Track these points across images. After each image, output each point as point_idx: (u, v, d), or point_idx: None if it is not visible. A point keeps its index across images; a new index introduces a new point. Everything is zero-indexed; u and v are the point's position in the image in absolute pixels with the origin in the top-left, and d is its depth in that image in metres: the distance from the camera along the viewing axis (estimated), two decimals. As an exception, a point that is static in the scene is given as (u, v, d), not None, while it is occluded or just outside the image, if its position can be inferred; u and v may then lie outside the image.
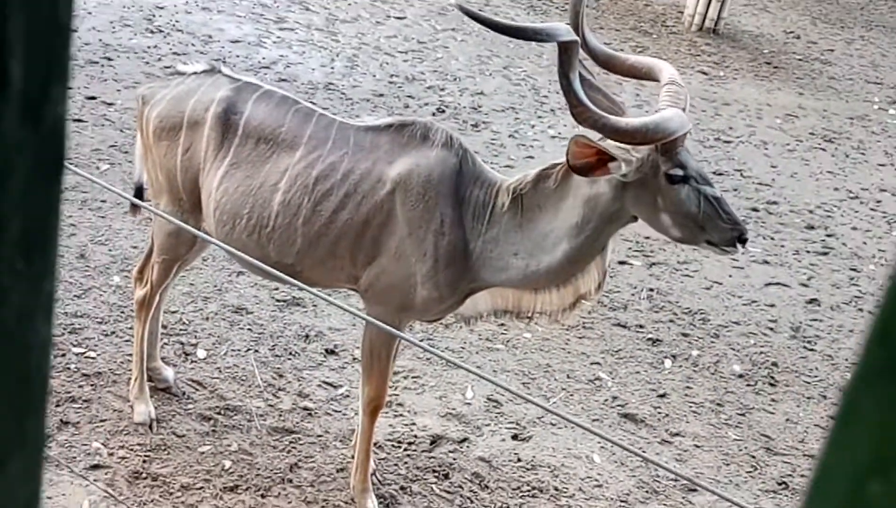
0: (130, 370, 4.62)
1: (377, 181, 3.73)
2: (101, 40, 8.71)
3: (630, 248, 6.94)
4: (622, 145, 3.33)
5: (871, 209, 8.60)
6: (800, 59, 12.71)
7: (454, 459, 4.66)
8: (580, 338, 5.85)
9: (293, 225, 3.81)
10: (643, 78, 3.66)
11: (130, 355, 4.72)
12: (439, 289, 3.72)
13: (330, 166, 3.79)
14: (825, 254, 7.59)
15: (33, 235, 0.68)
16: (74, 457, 4.21)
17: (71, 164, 6.47)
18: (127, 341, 4.94)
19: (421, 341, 5.22)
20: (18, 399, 0.70)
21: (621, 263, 6.75)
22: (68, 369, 4.71)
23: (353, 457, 4.32)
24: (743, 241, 3.42)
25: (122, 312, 5.18)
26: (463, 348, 5.54)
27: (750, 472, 4.99)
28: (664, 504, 4.63)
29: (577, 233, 3.52)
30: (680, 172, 3.36)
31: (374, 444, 4.27)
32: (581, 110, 3.23)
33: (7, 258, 0.66)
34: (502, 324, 5.50)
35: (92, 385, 4.64)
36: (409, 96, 8.98)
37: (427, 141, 3.75)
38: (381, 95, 8.85)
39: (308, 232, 3.80)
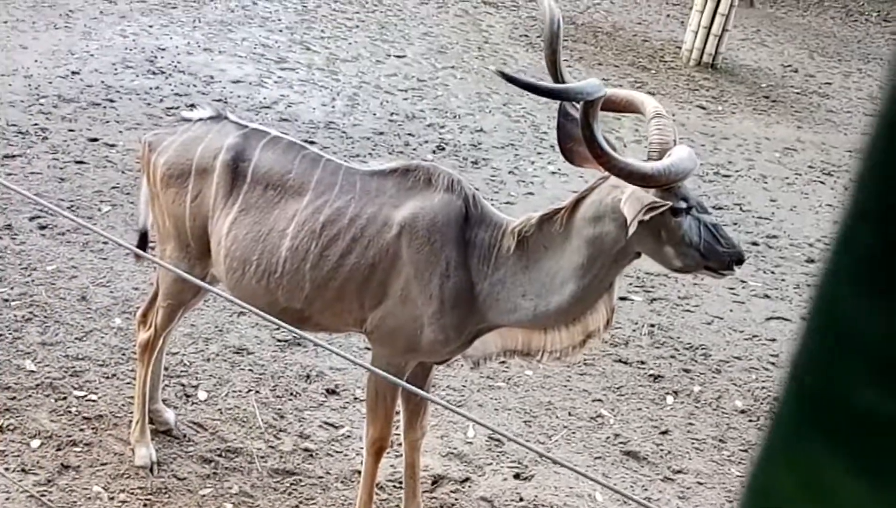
0: (131, 412, 4.62)
1: (383, 225, 3.76)
2: (103, 82, 8.78)
3: (630, 284, 6.95)
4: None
5: (872, 242, 8.60)
6: (798, 93, 12.77)
7: (456, 499, 4.65)
8: (581, 375, 5.85)
9: (301, 270, 3.83)
10: (622, 111, 3.69)
11: (131, 397, 4.72)
12: (445, 331, 3.74)
13: (337, 211, 3.82)
14: (826, 287, 7.57)
15: None
16: (75, 502, 4.21)
17: (73, 206, 6.51)
18: (128, 383, 4.94)
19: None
20: None
21: (622, 298, 6.76)
22: (69, 412, 4.71)
23: (356, 498, 4.31)
24: (740, 263, 3.48)
25: (124, 354, 5.19)
26: (464, 386, 5.54)
27: (753, 509, 4.96)
28: (667, 543, 4.61)
29: (583, 273, 3.55)
30: (683, 205, 3.42)
31: (376, 485, 4.26)
32: (606, 159, 3.28)
33: None
34: (503, 362, 5.50)
35: (93, 429, 4.64)
36: (409, 134, 9.04)
37: (431, 185, 3.78)
38: (382, 134, 8.90)
39: (316, 277, 3.82)
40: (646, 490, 4.95)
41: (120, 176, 7.13)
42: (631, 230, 3.35)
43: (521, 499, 4.72)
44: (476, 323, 3.78)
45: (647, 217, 3.34)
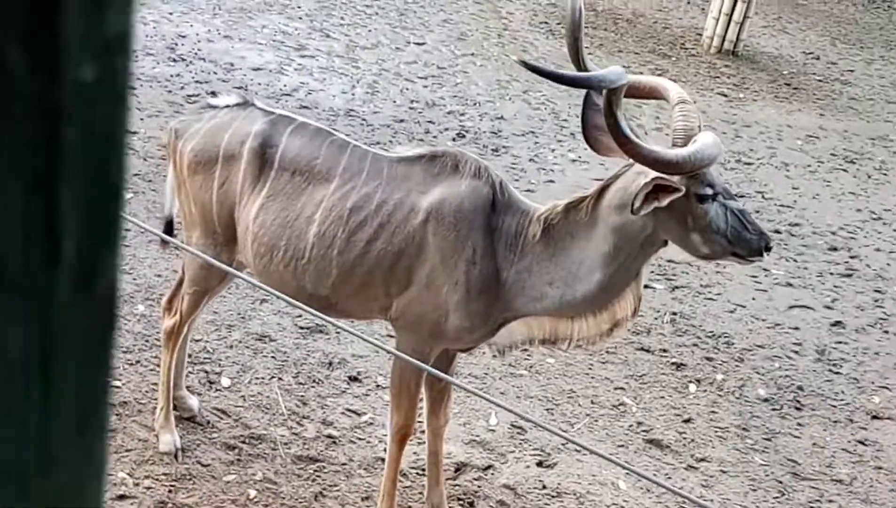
0: (155, 399, 4.64)
1: (410, 211, 3.76)
2: (124, 70, 8.78)
3: (653, 272, 6.92)
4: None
5: (895, 230, 8.55)
6: (819, 80, 12.68)
7: (479, 487, 4.65)
8: (604, 363, 5.83)
9: (328, 256, 3.84)
10: (646, 98, 3.68)
11: (155, 384, 4.74)
12: (471, 318, 3.74)
13: (364, 198, 3.82)
14: (849, 276, 7.55)
15: (86, 404, 0.68)
16: (100, 487, 4.22)
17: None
18: (152, 370, 4.96)
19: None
20: None
21: (644, 287, 6.72)
22: (94, 398, 4.73)
23: (379, 485, 4.32)
24: (769, 249, 3.46)
25: (147, 341, 5.21)
26: (486, 373, 5.53)
27: (777, 498, 4.95)
28: (691, 531, 4.60)
29: (610, 261, 3.55)
30: (709, 191, 3.41)
31: (400, 472, 4.26)
32: (631, 147, 3.27)
33: (62, 432, 0.66)
34: (526, 350, 5.49)
35: (117, 415, 4.66)
36: (429, 122, 9.02)
37: (458, 171, 3.78)
38: (402, 121, 8.89)
39: (343, 263, 3.82)
40: (669, 478, 4.93)
41: (142, 163, 7.15)
42: (641, 210, 3.33)
43: (544, 487, 4.71)
44: (502, 311, 3.77)
45: (664, 202, 3.33)
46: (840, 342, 6.56)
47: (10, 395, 0.63)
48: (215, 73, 9.17)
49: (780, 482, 5.07)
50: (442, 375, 2.87)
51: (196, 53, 9.53)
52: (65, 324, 0.64)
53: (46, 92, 0.60)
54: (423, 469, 4.46)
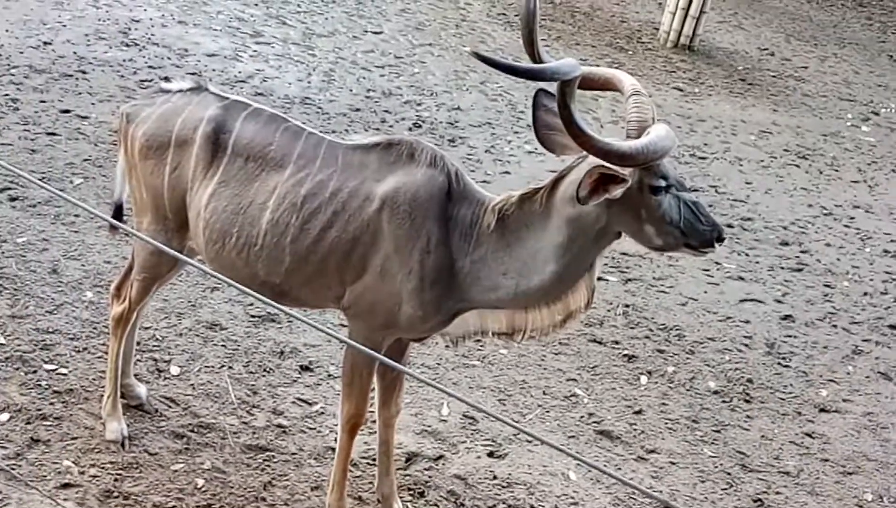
0: (103, 386, 4.57)
1: (365, 199, 3.73)
2: (75, 53, 8.65)
3: (606, 264, 6.95)
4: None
5: (845, 226, 8.66)
6: (774, 76, 12.80)
7: (430, 477, 4.64)
8: (556, 354, 5.84)
9: (281, 244, 3.79)
10: (600, 89, 3.67)
11: (103, 371, 4.67)
12: (424, 307, 3.72)
13: (318, 185, 3.78)
14: (799, 270, 7.63)
15: None
16: (45, 476, 4.16)
17: (44, 177, 6.42)
18: (99, 357, 4.89)
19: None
20: None
21: (597, 279, 6.75)
22: (39, 385, 4.66)
23: (329, 475, 4.29)
24: (721, 240, 3.48)
25: (95, 328, 5.13)
26: (439, 364, 5.52)
27: (725, 489, 4.99)
28: (640, 522, 4.62)
29: (564, 252, 3.54)
30: (663, 183, 3.42)
31: (350, 462, 4.23)
32: (585, 140, 3.26)
33: None
34: (479, 340, 5.48)
35: (63, 403, 4.59)
36: (385, 111, 8.98)
37: (414, 160, 3.75)
38: (358, 110, 8.84)
39: (296, 251, 3.79)
40: (619, 468, 4.96)
41: (92, 148, 7.04)
42: (589, 201, 3.33)
43: (495, 477, 4.71)
44: (456, 301, 3.75)
45: (614, 194, 3.33)
46: (790, 336, 6.63)
47: None
48: (169, 58, 9.05)
49: (729, 473, 5.11)
50: (394, 364, 2.84)
51: (149, 38, 9.40)
52: None
53: None
54: (374, 459, 4.44)
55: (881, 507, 5.07)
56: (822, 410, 5.85)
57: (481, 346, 5.69)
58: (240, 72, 9.11)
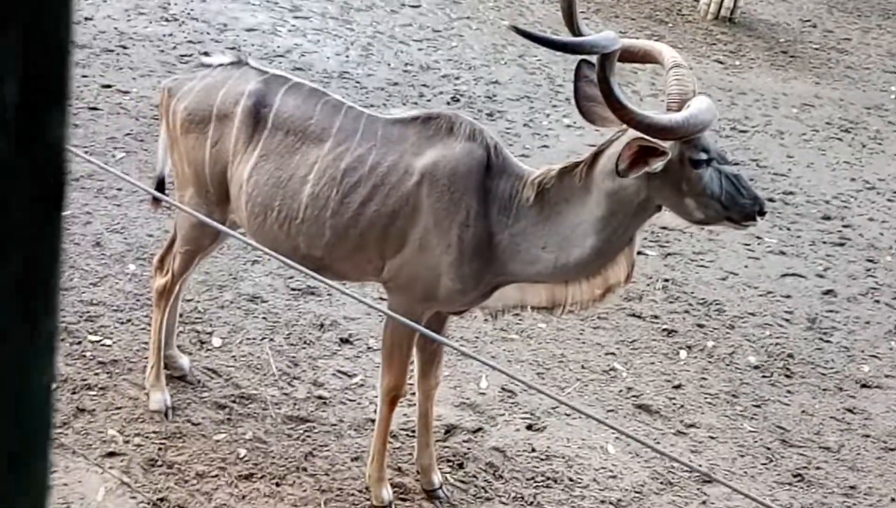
0: (146, 358, 4.64)
1: (404, 173, 3.74)
2: (116, 28, 8.71)
3: (646, 238, 6.91)
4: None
5: (888, 200, 8.55)
6: (816, 48, 12.62)
7: (468, 449, 4.66)
8: (595, 329, 5.84)
9: (322, 217, 3.82)
10: (640, 62, 3.66)
11: (146, 343, 4.73)
12: (463, 281, 3.73)
13: (358, 159, 3.80)
14: (842, 245, 7.55)
15: (33, 271, 0.63)
16: (90, 445, 4.23)
17: (87, 152, 6.49)
18: (143, 329, 4.95)
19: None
20: (19, 446, 0.66)
21: (637, 253, 6.72)
22: (84, 356, 4.73)
23: (369, 446, 4.33)
24: (763, 214, 3.45)
25: (138, 300, 5.20)
26: (477, 337, 5.54)
27: (765, 464, 4.97)
28: (678, 496, 4.62)
29: (604, 226, 3.54)
30: (704, 156, 3.40)
31: (390, 434, 4.27)
32: (625, 113, 3.26)
33: (6, 296, 0.62)
34: (517, 314, 5.49)
35: (108, 373, 4.66)
36: (423, 85, 8.97)
37: (453, 134, 3.76)
38: (396, 84, 8.84)
39: (336, 224, 3.81)
40: (658, 442, 4.95)
41: (134, 123, 7.10)
42: (629, 173, 3.32)
43: (534, 450, 4.73)
44: (495, 275, 3.76)
45: (654, 167, 3.32)
46: (831, 311, 6.57)
47: None
48: (208, 33, 9.09)
49: (769, 448, 5.09)
50: (434, 335, 2.86)
51: (189, 13, 9.44)
52: (10, 183, 0.60)
53: None
54: (414, 431, 4.47)
55: (923, 483, 5.03)
56: (863, 385, 5.80)
57: (520, 320, 5.70)
58: (278, 46, 9.13)
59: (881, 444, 5.28)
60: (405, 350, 3.98)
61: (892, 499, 4.86)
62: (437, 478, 4.35)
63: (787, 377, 5.76)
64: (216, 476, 4.20)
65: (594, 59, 3.31)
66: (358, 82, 8.69)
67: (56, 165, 0.63)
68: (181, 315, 4.95)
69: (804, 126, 9.95)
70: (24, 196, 0.62)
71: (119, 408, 4.46)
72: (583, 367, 5.48)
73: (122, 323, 5.02)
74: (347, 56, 9.26)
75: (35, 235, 0.64)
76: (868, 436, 5.33)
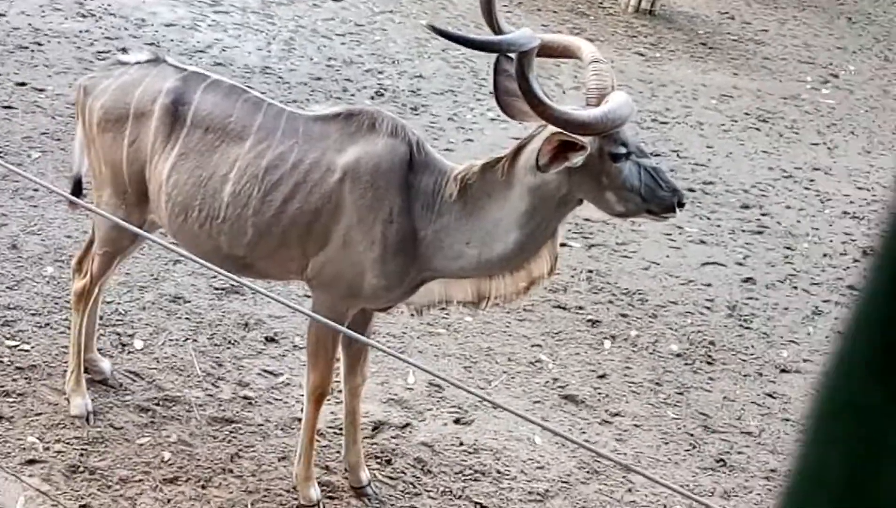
0: (66, 362, 4.55)
1: (326, 170, 3.73)
2: (30, 25, 8.51)
3: (569, 230, 6.98)
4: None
5: (805, 188, 8.75)
6: (734, 40, 12.85)
7: (396, 445, 4.67)
8: (521, 321, 5.88)
9: (243, 216, 3.79)
10: (560, 57, 3.69)
11: (66, 346, 4.64)
12: (388, 277, 3.73)
13: (279, 156, 3.77)
14: (760, 233, 7.71)
15: None
16: (9, 453, 4.14)
17: (1, 152, 6.34)
18: (62, 332, 4.86)
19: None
20: None
21: (561, 245, 6.78)
22: (1, 362, 4.63)
23: (296, 445, 4.31)
24: (682, 205, 3.51)
25: (56, 303, 5.09)
26: (404, 332, 5.54)
27: (688, 450, 5.06)
28: (605, 484, 4.68)
29: (526, 221, 3.57)
30: (623, 150, 3.44)
31: (317, 432, 4.25)
32: (543, 109, 3.28)
33: None
34: (444, 309, 5.50)
35: (26, 379, 4.56)
36: (347, 80, 8.93)
37: (375, 130, 3.76)
38: (319, 79, 8.78)
39: (258, 223, 3.78)
40: (584, 432, 5.01)
41: (50, 121, 6.95)
42: (550, 168, 3.35)
43: (462, 444, 4.75)
44: (419, 270, 3.77)
45: (574, 161, 3.35)
46: (751, 298, 6.71)
47: None
48: (126, 28, 8.94)
49: (692, 434, 5.18)
50: (358, 336, 2.86)
51: (105, 9, 9.27)
52: None
53: None
54: (341, 429, 4.45)
55: (840, 464, 5.16)
56: (783, 370, 5.94)
57: (446, 314, 5.71)
58: (198, 42, 9.02)
59: (801, 427, 5.40)
60: (330, 349, 3.96)
61: (812, 481, 4.97)
62: (365, 475, 4.34)
63: (709, 363, 5.87)
64: (140, 480, 4.14)
65: (514, 54, 3.33)
66: (280, 77, 8.62)
67: None
68: (101, 318, 4.86)
69: (723, 117, 10.13)
70: None
71: (38, 414, 4.37)
72: (509, 359, 5.51)
73: (41, 327, 4.92)
74: (269, 51, 9.18)
75: None
76: (788, 420, 5.46)
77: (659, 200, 3.50)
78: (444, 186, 3.71)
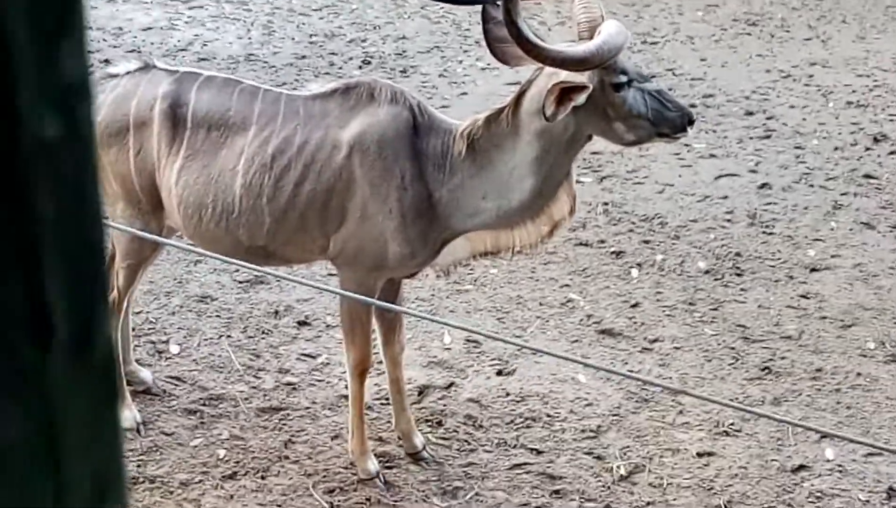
0: (107, 378, 4.57)
1: (333, 147, 3.72)
2: (9, 51, 8.48)
3: (579, 166, 6.94)
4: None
5: (805, 85, 8.68)
6: (710, -52, 12.69)
7: (444, 405, 4.69)
8: (546, 264, 5.88)
9: (258, 206, 3.79)
10: None
11: (104, 363, 4.67)
12: (410, 244, 3.74)
13: (284, 141, 3.77)
14: (768, 137, 7.66)
15: (102, 476, 0.63)
16: (69, 475, 4.18)
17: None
18: (98, 350, 4.88)
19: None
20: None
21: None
22: (44, 389, 4.65)
23: (346, 422, 4.34)
24: (692, 123, 3.50)
25: (88, 322, 5.12)
26: (433, 295, 5.55)
27: (732, 364, 5.07)
28: (655, 411, 4.70)
29: (539, 166, 3.56)
30: (623, 78, 3.43)
31: (365, 406, 4.28)
32: (538, 52, 3.27)
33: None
34: (468, 265, 5.51)
35: (72, 401, 4.59)
36: (332, 54, 8.88)
37: (374, 100, 3.75)
38: (304, 58, 8.74)
39: (274, 210, 3.79)
40: (626, 363, 5.03)
41: (47, 144, 6.94)
42: (557, 115, 3.34)
43: (508, 394, 4.77)
44: (440, 232, 3.77)
45: (579, 101, 3.34)
46: (769, 204, 6.68)
47: (23, 489, 0.58)
48: (104, 39, 8.90)
49: (733, 348, 5.19)
50: (389, 306, 2.87)
51: (81, 22, 9.21)
52: (67, 400, 0.58)
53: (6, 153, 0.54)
54: (388, 399, 4.48)
55: (884, 353, 5.17)
56: (812, 270, 5.93)
57: (471, 270, 5.72)
58: (178, 40, 8.98)
59: (839, 323, 5.41)
60: (364, 323, 3.98)
61: (858, 373, 4.99)
62: (419, 440, 4.37)
63: (738, 275, 5.86)
64: (200, 481, 4.18)
65: (500, 1, 3.30)
66: (266, 62, 8.58)
67: (108, 366, 0.63)
68: (134, 329, 4.89)
69: (712, 27, 10.04)
70: (84, 407, 0.62)
71: (90, 433, 4.41)
72: (541, 304, 5.52)
73: (76, 348, 4.94)
74: (250, 38, 9.13)
75: (99, 439, 0.65)
76: (825, 317, 5.46)
77: (668, 121, 3.49)
78: (451, 145, 3.70)
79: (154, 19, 9.43)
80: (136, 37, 9.00)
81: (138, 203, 4.06)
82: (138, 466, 4.25)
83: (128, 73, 4.09)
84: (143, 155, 3.97)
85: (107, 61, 7.78)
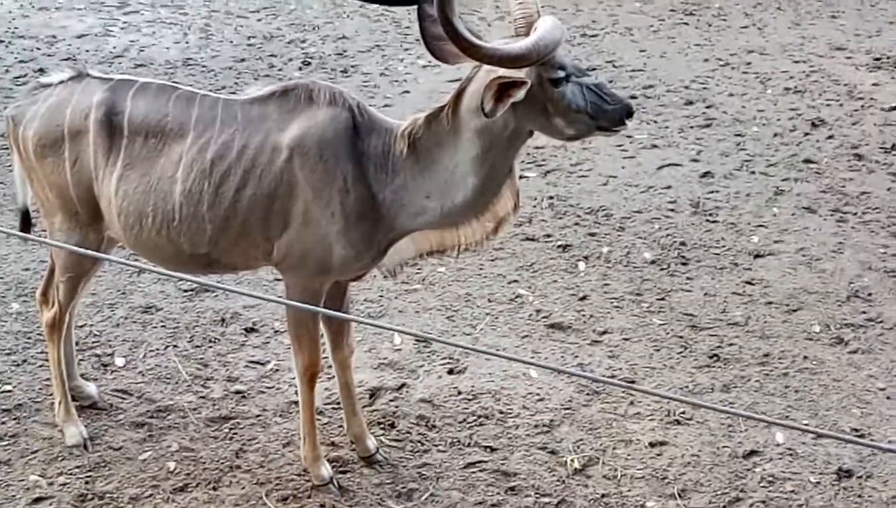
0: (52, 395, 4.49)
1: (273, 151, 3.67)
2: (-60, 63, 8.30)
3: (522, 161, 6.94)
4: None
5: (743, 73, 8.77)
6: (646, -60, 12.79)
7: (396, 407, 4.67)
8: (493, 261, 5.88)
9: (199, 213, 3.73)
10: None
11: (48, 380, 4.58)
12: (355, 246, 3.70)
13: (223, 146, 3.71)
14: (708, 126, 7.74)
15: None
16: (14, 496, 4.09)
17: (-61, 198, 6.20)
18: (41, 366, 4.79)
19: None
20: None
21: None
22: (-13, 408, 4.56)
23: (298, 429, 4.29)
24: (631, 115, 3.50)
25: (29, 338, 5.02)
26: (381, 296, 5.52)
27: (681, 352, 5.10)
28: (606, 402, 4.71)
29: (481, 163, 3.54)
30: (561, 74, 3.41)
31: (316, 411, 4.23)
32: (475, 51, 3.24)
33: None
34: (415, 264, 5.48)
35: (15, 419, 4.50)
36: (271, 56, 8.81)
37: (313, 102, 3.70)
38: (243, 60, 8.66)
39: (215, 217, 3.72)
40: (576, 356, 5.04)
41: (-18, 157, 6.79)
42: (496, 112, 3.32)
43: (460, 393, 4.76)
44: (385, 233, 3.73)
45: (518, 97, 3.32)
46: (712, 192, 6.74)
47: None
48: (38, 48, 8.73)
49: (681, 337, 5.22)
50: (336, 313, 2.83)
51: (13, 32, 9.05)
52: None
53: None
54: (339, 403, 4.44)
55: (829, 335, 5.23)
56: (756, 256, 5.99)
57: (419, 269, 5.70)
58: (114, 47, 8.84)
59: (784, 308, 5.47)
60: (312, 328, 3.94)
61: (805, 357, 5.05)
62: (371, 443, 4.34)
63: (684, 264, 5.90)
64: (150, 495, 4.11)
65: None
66: (204, 66, 8.48)
67: None
68: (77, 343, 4.79)
69: (650, 18, 10.12)
70: None
71: (35, 451, 4.32)
72: (489, 300, 5.51)
73: (18, 365, 4.85)
74: (187, 42, 9.02)
75: None
76: (771, 303, 5.52)
77: (607, 115, 3.48)
78: (393, 145, 3.67)
79: (88, 26, 9.28)
80: (70, 45, 8.84)
81: (76, 215, 3.98)
82: (87, 482, 4.16)
83: (61, 82, 4.00)
84: (79, 165, 3.88)
85: (41, 70, 7.64)
